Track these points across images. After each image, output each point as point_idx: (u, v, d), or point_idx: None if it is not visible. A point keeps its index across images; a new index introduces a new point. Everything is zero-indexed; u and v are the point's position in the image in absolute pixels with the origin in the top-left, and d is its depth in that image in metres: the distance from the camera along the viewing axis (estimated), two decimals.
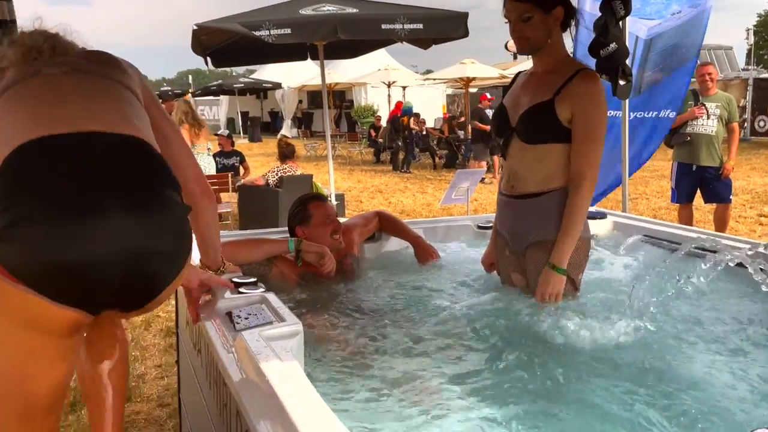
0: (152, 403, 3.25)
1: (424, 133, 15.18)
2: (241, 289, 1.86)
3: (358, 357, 1.87)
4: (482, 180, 11.47)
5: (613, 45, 3.32)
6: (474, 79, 16.33)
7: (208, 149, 7.74)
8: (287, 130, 25.87)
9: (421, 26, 6.16)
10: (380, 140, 15.98)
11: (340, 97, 26.06)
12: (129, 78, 1.64)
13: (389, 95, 20.13)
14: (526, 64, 17.56)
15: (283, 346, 1.44)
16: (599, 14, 3.52)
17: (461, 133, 14.72)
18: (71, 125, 1.39)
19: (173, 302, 5.03)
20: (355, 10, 6.26)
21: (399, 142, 14.51)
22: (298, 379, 1.27)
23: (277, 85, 24.85)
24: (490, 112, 12.45)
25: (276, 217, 6.92)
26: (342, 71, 21.37)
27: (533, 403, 1.57)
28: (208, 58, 7.23)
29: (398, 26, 6.11)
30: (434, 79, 18.70)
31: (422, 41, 6.88)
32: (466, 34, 6.35)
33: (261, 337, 1.46)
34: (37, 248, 1.24)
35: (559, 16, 2.09)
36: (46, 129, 1.36)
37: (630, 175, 4.39)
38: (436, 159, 14.65)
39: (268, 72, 25.38)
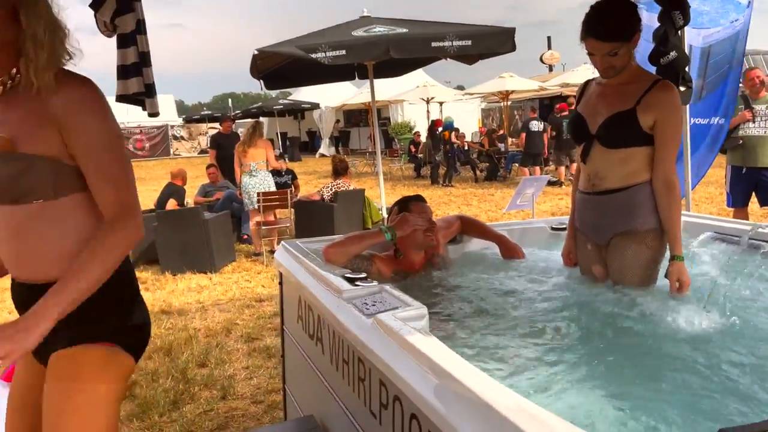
0: (246, 401, 3.49)
1: (465, 147, 15.37)
2: (357, 283, 2.09)
3: (456, 341, 2.06)
4: (556, 183, 11.70)
5: (673, 53, 3.49)
6: (512, 92, 16.47)
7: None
8: (325, 148, 26.36)
9: (469, 43, 6.39)
10: (420, 155, 16.23)
11: (377, 115, 26.45)
12: None
13: (428, 111, 20.40)
14: (564, 76, 17.66)
15: (416, 325, 1.65)
16: (656, 25, 3.70)
17: (501, 146, 14.86)
18: None
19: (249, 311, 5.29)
20: (404, 30, 6.53)
21: (438, 156, 14.72)
22: (442, 347, 1.47)
23: (315, 106, 25.39)
24: (535, 123, 12.61)
25: (331, 229, 7.19)
26: (380, 89, 21.73)
27: (628, 387, 1.71)
28: (262, 81, 7.61)
29: (447, 43, 6.35)
30: (473, 94, 18.90)
31: (468, 57, 7.11)
32: (513, 48, 6.55)
33: (396, 318, 1.68)
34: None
35: (637, 39, 2.27)
36: None
37: (695, 183, 4.53)
38: (478, 172, 14.81)
39: (305, 93, 25.95)
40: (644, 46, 4.74)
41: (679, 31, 3.63)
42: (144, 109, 2.56)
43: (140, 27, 2.50)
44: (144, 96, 2.46)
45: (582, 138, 2.44)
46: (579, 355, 1.94)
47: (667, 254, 2.32)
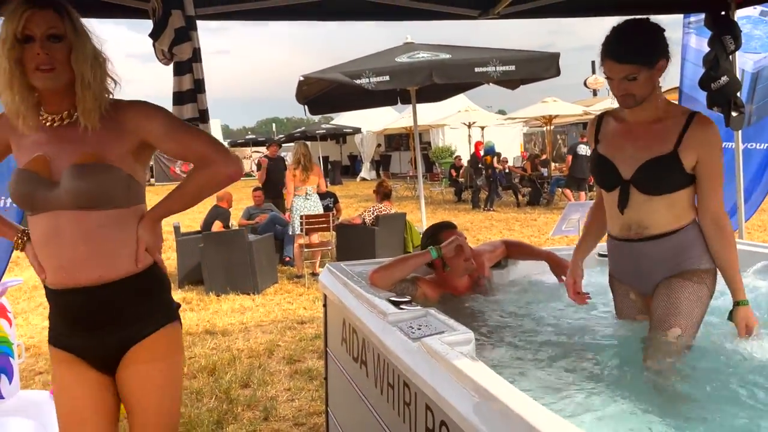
0: (288, 422, 3.51)
1: (507, 171, 15.29)
2: (402, 306, 2.09)
3: (503, 367, 2.04)
4: None
5: (724, 78, 3.43)
6: (555, 116, 16.36)
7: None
8: (366, 172, 26.60)
9: (513, 68, 6.39)
10: (461, 179, 16.21)
11: (419, 139, 26.60)
12: None
13: (470, 135, 20.41)
14: (608, 101, 17.44)
15: (463, 350, 1.65)
16: (706, 50, 3.65)
17: (544, 171, 14.72)
18: None
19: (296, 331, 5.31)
20: (448, 56, 6.58)
21: (480, 181, 14.68)
22: (490, 372, 1.46)
23: (357, 130, 25.72)
24: (583, 147, 12.46)
25: (372, 252, 7.22)
26: (421, 114, 21.90)
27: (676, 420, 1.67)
28: (306, 106, 7.76)
29: (491, 69, 6.36)
30: (515, 119, 18.84)
31: (510, 82, 7.11)
32: (557, 73, 6.53)
33: (443, 343, 1.67)
34: None
35: (662, 68, 2.05)
36: None
37: (750, 214, 4.43)
38: (520, 197, 14.69)
39: (346, 118, 26.33)
40: (693, 70, 4.70)
41: (730, 56, 3.57)
42: None
43: (196, 55, 2.61)
44: (198, 121, 2.56)
45: (613, 184, 2.19)
46: (627, 386, 1.90)
47: (721, 284, 2.24)
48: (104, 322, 1.76)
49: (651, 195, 2.12)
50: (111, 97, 1.77)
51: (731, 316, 2.15)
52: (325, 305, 2.85)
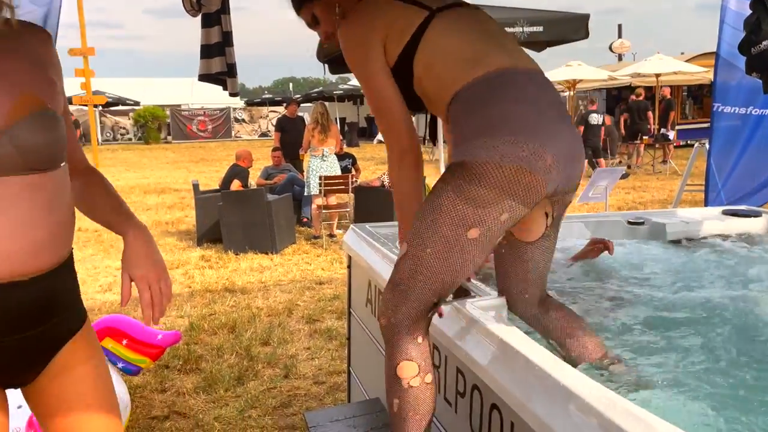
0: (309, 381, 3.54)
1: None
2: None
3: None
4: (622, 176, 11.37)
5: (765, 43, 3.28)
6: (579, 81, 16.02)
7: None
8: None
9: (541, 29, 6.23)
10: None
11: None
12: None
13: None
14: (635, 66, 17.03)
15: (495, 314, 1.62)
16: (747, 12, 3.49)
17: None
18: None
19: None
20: None
21: None
22: (524, 337, 1.44)
23: None
24: (595, 116, 12.26)
25: (390, 215, 7.19)
26: None
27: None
28: (326, 65, 7.64)
29: (518, 29, 6.20)
30: None
31: (537, 44, 6.92)
32: (586, 35, 6.36)
33: (475, 306, 1.65)
34: None
35: None
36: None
37: None
38: None
39: None
40: (732, 34, 4.52)
41: None
42: (225, 88, 2.61)
43: (225, 6, 2.53)
44: (226, 75, 2.50)
45: None
46: (658, 353, 1.87)
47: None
48: (43, 320, 1.29)
49: None
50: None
51: None
52: (349, 266, 2.83)
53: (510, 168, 1.35)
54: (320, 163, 7.56)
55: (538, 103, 1.45)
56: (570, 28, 6.25)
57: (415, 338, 1.50)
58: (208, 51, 2.50)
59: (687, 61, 16.54)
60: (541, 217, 1.58)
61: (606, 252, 2.57)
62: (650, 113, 14.32)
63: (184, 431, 3.04)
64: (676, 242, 2.94)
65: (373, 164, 16.19)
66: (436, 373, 1.75)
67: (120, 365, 2.93)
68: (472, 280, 1.88)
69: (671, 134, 14.22)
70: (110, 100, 24.52)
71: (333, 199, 7.72)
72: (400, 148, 1.61)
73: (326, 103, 8.59)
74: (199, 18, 2.53)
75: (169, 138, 28.40)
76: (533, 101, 1.45)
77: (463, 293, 1.80)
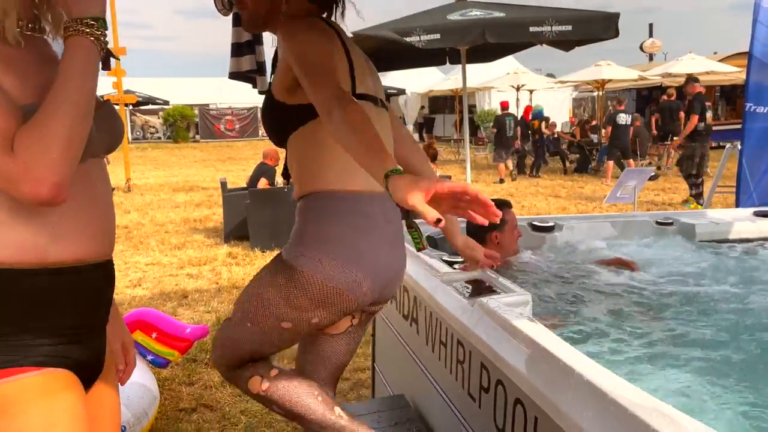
0: None
1: (555, 136, 14.94)
2: (456, 266, 2.07)
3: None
4: (651, 178, 11.28)
5: None
6: (608, 81, 15.82)
7: None
8: None
9: (570, 28, 6.16)
10: None
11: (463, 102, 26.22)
12: None
13: (518, 99, 19.98)
14: (666, 66, 16.78)
15: (520, 311, 1.62)
16: None
17: (594, 137, 14.33)
18: None
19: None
20: (502, 14, 6.38)
21: (527, 146, 14.39)
22: (549, 333, 1.44)
23: (401, 91, 25.42)
24: (623, 116, 12.09)
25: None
26: (468, 76, 21.50)
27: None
28: None
29: (546, 28, 6.15)
30: (566, 82, 18.30)
31: (565, 43, 6.86)
32: (616, 34, 6.27)
33: (500, 303, 1.65)
34: None
35: None
36: None
37: None
38: (567, 164, 14.37)
39: (390, 78, 26.02)
40: (765, 33, 4.43)
41: None
42: (254, 86, 2.65)
43: None
44: (256, 73, 2.54)
45: None
46: (684, 348, 1.86)
47: None
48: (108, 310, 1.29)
49: None
50: None
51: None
52: None
53: (330, 289, 1.51)
54: None
55: (375, 234, 1.56)
56: (599, 27, 6.17)
57: (238, 365, 1.66)
58: (238, 49, 2.54)
59: (720, 60, 16.23)
60: (347, 321, 1.70)
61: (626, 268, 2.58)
62: (682, 114, 14.07)
63: (211, 423, 3.09)
64: (706, 243, 2.91)
65: None
66: (275, 358, 1.74)
67: (149, 357, 2.99)
68: (498, 277, 1.89)
69: None
70: (140, 99, 24.94)
71: None
72: (334, 92, 1.36)
73: None
74: (229, 17, 2.59)
75: (197, 137, 28.78)
76: (370, 232, 1.55)
77: (487, 290, 1.81)
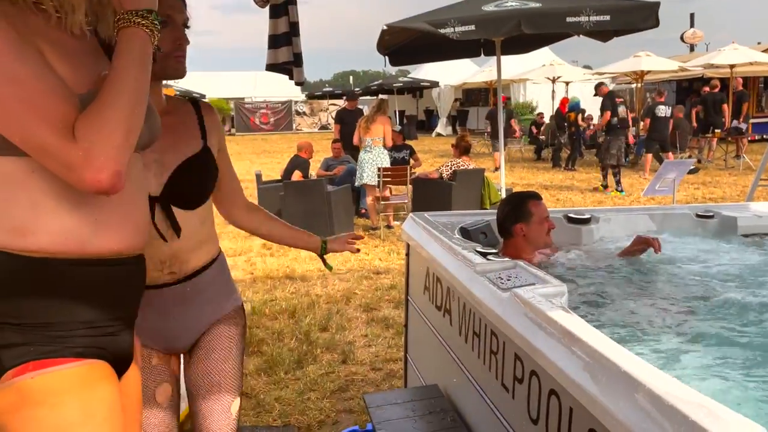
0: (366, 367, 3.60)
1: (592, 129, 14.68)
2: (490, 257, 2.06)
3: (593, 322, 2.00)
4: (691, 171, 11.01)
5: None
6: (647, 72, 15.45)
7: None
8: (442, 128, 26.26)
9: (608, 18, 6.04)
10: (542, 137, 15.71)
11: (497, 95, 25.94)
12: None
13: (553, 91, 19.68)
14: (707, 57, 16.28)
15: (556, 302, 1.61)
16: None
17: (632, 130, 14.03)
18: None
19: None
20: (538, 5, 6.28)
21: (562, 139, 14.18)
22: (585, 324, 1.43)
23: (435, 84, 25.29)
24: (663, 108, 11.81)
25: (449, 207, 7.17)
26: (503, 68, 21.27)
27: None
28: (387, 57, 7.66)
29: (584, 18, 6.04)
30: (603, 74, 17.93)
31: (603, 34, 6.73)
32: (656, 24, 6.12)
33: (536, 294, 1.64)
34: None
35: None
36: None
37: None
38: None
39: (424, 71, 25.91)
40: None
41: None
42: (291, 78, 2.68)
43: None
44: (292, 65, 2.57)
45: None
46: (714, 340, 1.82)
47: None
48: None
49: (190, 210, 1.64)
50: None
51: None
52: (407, 254, 2.86)
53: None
54: (364, 155, 7.59)
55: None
56: (639, 17, 6.03)
57: None
58: (275, 41, 2.56)
59: (764, 51, 15.69)
60: None
61: (651, 250, 2.51)
62: (725, 106, 13.67)
63: (246, 410, 3.15)
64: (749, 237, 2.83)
65: (431, 157, 16.14)
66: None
67: None
68: (533, 269, 1.87)
69: (744, 127, 13.55)
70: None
71: (387, 191, 7.75)
72: None
73: (385, 96, 8.65)
74: (266, 9, 2.62)
75: (233, 130, 29.17)
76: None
77: (522, 281, 1.80)
